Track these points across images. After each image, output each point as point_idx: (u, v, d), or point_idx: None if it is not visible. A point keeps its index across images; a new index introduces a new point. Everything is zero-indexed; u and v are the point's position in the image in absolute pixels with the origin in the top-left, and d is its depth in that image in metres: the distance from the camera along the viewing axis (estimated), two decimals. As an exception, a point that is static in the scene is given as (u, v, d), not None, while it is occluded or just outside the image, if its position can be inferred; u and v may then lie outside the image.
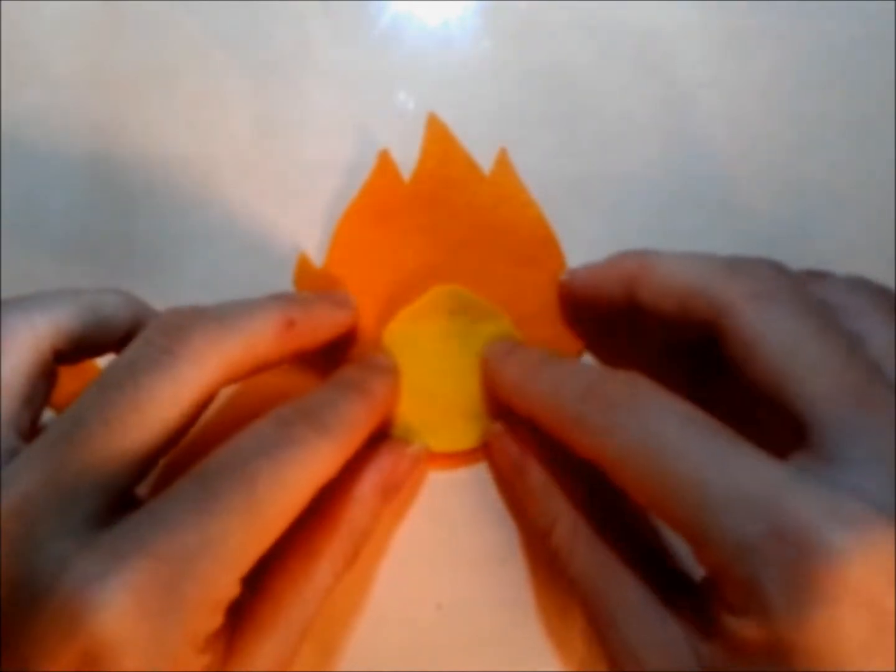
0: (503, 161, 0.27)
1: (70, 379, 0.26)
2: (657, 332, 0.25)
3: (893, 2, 0.28)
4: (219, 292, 0.26)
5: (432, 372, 0.25)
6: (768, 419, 0.19)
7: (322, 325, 0.24)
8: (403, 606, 0.25)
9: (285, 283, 0.27)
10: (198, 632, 0.17)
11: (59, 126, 0.27)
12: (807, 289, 0.20)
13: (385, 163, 0.27)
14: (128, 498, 0.19)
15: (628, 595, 0.20)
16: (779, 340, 0.19)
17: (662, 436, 0.18)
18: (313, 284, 0.27)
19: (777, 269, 0.21)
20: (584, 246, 0.27)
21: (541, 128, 0.27)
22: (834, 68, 0.28)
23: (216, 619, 0.18)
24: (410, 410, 0.25)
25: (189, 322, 0.20)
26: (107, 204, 0.27)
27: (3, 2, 0.28)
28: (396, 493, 0.24)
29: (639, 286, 0.22)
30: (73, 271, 0.27)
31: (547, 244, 0.27)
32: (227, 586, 0.18)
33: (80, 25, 0.28)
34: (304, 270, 0.27)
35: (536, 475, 0.23)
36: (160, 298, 0.27)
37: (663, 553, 0.24)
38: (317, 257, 0.27)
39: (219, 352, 0.20)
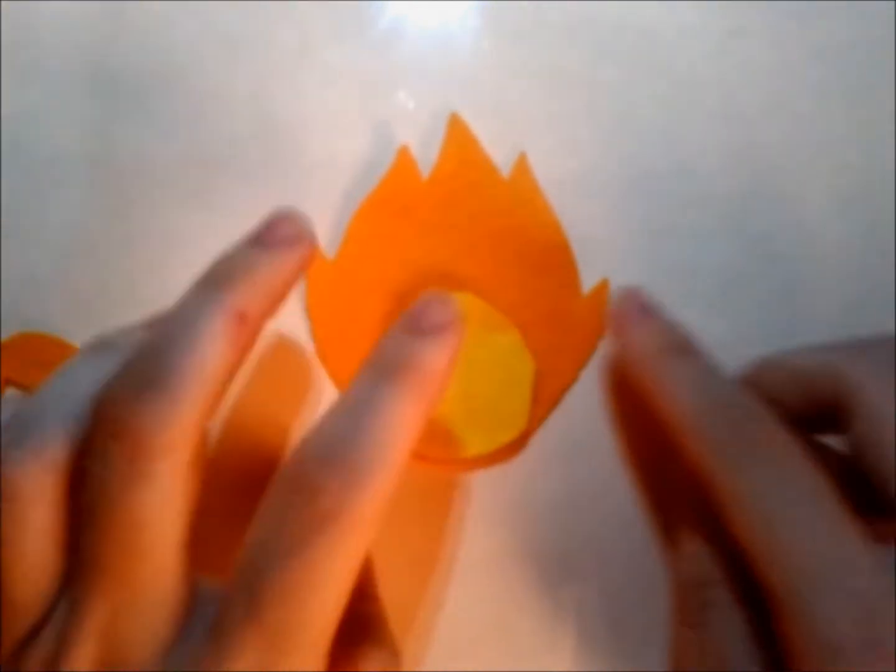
0: (522, 165, 0.27)
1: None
2: None
3: (893, 2, 0.28)
4: (219, 292, 0.26)
5: None
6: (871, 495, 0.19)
7: (273, 287, 0.20)
8: (404, 606, 0.25)
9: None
10: None
11: (59, 126, 0.27)
12: None
13: (404, 159, 0.27)
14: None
15: None
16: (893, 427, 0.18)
17: (789, 506, 0.17)
18: (324, 275, 0.26)
19: None
20: (584, 246, 0.27)
21: (541, 128, 0.27)
22: (834, 68, 0.28)
23: None
24: None
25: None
26: (106, 204, 0.27)
27: (3, 2, 0.28)
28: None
29: (762, 384, 0.21)
30: (74, 271, 0.27)
31: (559, 252, 0.26)
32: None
33: (80, 25, 0.28)
34: (315, 261, 0.26)
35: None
36: (161, 298, 0.27)
37: None
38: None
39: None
